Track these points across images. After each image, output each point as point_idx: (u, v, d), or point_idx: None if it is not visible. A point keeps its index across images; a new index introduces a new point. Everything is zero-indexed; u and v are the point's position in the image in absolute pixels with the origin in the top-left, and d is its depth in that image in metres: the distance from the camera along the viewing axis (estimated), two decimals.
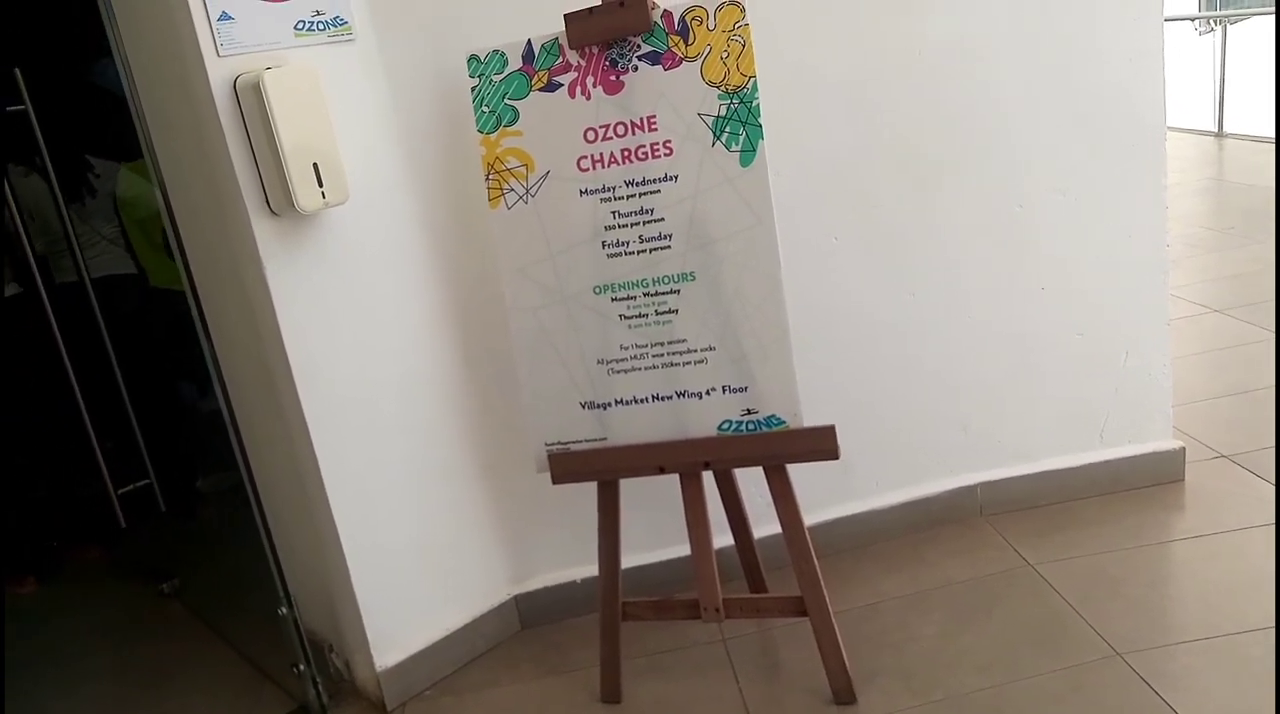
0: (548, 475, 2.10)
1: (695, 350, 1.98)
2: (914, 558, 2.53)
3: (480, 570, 2.44)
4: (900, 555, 2.55)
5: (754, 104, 1.86)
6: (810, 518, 2.15)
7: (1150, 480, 2.70)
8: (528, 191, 2.01)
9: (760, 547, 2.41)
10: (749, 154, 1.88)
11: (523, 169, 2.00)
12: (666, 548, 2.52)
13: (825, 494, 2.54)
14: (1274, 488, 2.55)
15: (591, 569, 2.45)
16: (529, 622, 2.53)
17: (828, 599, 1.99)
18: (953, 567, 2.47)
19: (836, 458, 1.92)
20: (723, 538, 2.28)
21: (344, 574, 2.22)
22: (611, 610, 2.12)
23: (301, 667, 2.25)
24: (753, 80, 1.86)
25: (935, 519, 2.64)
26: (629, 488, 2.10)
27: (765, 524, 2.42)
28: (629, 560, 2.19)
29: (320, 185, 1.99)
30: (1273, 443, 2.77)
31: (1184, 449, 2.71)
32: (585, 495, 2.12)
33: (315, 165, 1.97)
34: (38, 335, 2.76)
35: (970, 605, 2.31)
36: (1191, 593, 2.26)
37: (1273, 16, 7.77)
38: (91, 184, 3.09)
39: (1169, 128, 2.49)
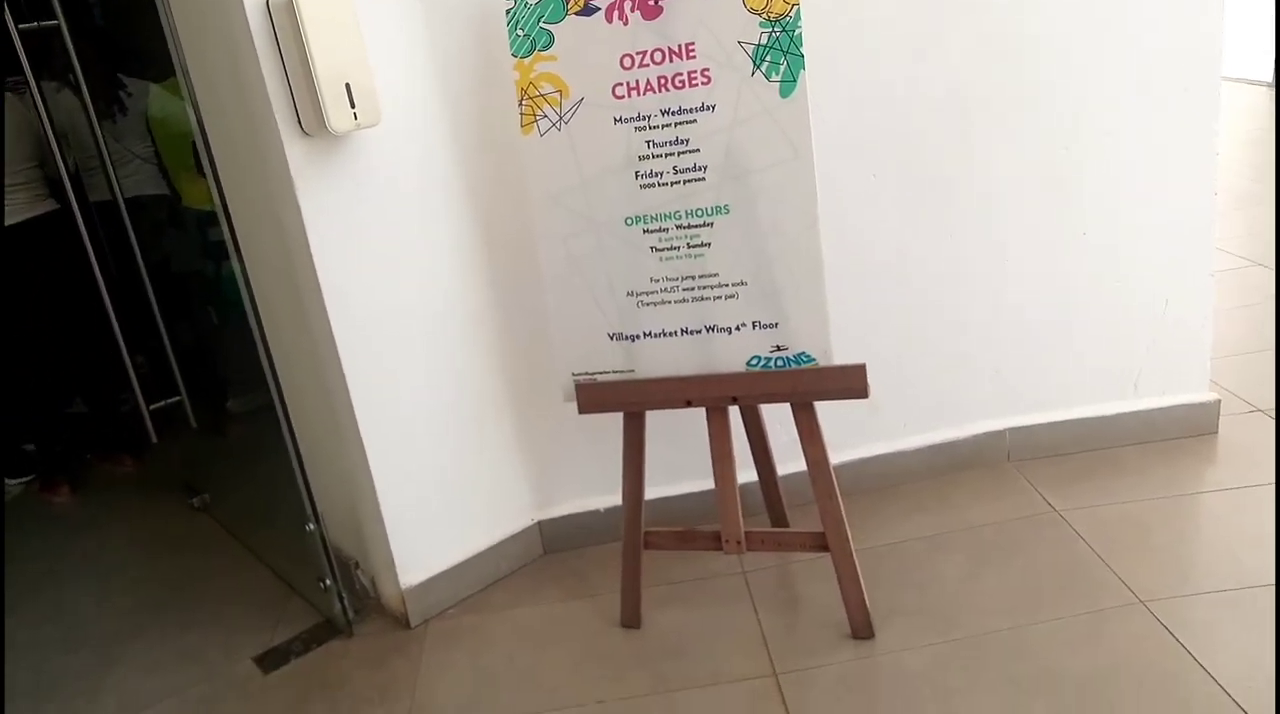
0: (574, 405, 2.10)
1: (726, 285, 1.96)
2: (939, 500, 2.53)
3: (505, 495, 2.47)
4: (925, 497, 2.55)
5: (796, 33, 1.81)
6: (836, 457, 2.15)
7: (1183, 432, 2.67)
8: (561, 118, 1.97)
9: (784, 483, 2.42)
10: (789, 84, 1.83)
11: (556, 95, 1.96)
12: (689, 481, 2.53)
13: (852, 434, 2.53)
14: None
15: (615, 499, 2.46)
16: (552, 547, 2.56)
17: (850, 536, 2.00)
18: (977, 510, 2.46)
19: (865, 396, 1.91)
20: (746, 473, 2.28)
21: (371, 494, 2.25)
22: (634, 538, 2.14)
23: (328, 581, 2.30)
24: (796, 8, 1.80)
25: (962, 463, 2.63)
26: (653, 421, 2.10)
27: (789, 461, 2.43)
28: (651, 493, 2.20)
29: (353, 107, 1.97)
30: None
31: (1219, 402, 2.67)
32: (611, 426, 2.12)
33: (348, 86, 1.95)
34: (73, 253, 2.77)
35: (994, 548, 2.30)
36: (1218, 545, 2.24)
37: None
38: (124, 102, 3.08)
39: (1223, 76, 2.40)
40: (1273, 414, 2.71)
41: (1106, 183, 2.44)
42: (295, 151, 2.00)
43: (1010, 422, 2.63)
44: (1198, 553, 2.24)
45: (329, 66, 1.91)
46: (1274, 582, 2.02)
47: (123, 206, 2.81)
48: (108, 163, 2.79)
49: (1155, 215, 2.47)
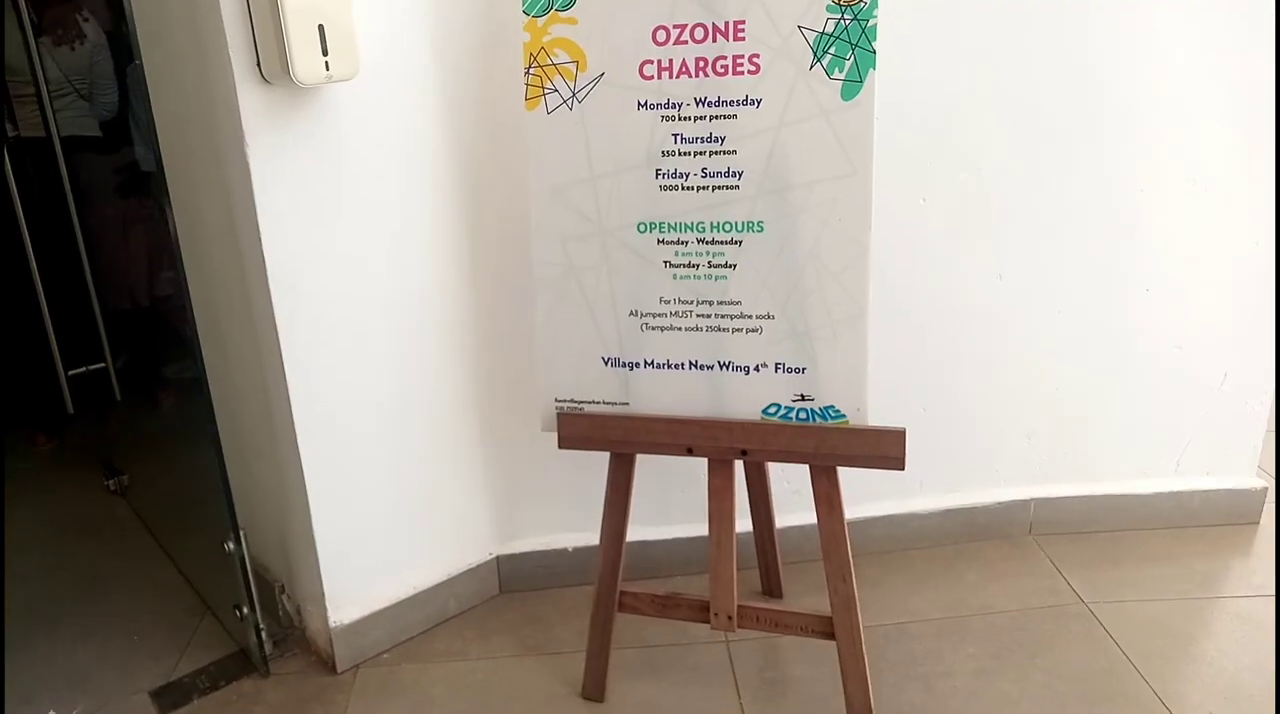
0: (554, 435, 1.78)
1: (750, 316, 1.65)
2: (952, 575, 2.23)
3: (461, 523, 2.14)
4: (937, 569, 2.26)
5: (870, 24, 1.49)
6: None
7: (1222, 519, 2.40)
8: (574, 94, 1.64)
9: (779, 537, 2.12)
10: (854, 85, 1.51)
11: (572, 66, 1.63)
12: (675, 525, 2.22)
13: (860, 488, 2.21)
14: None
15: (586, 538, 2.18)
16: (510, 586, 2.24)
17: (861, 627, 1.70)
18: (995, 592, 2.17)
19: (901, 468, 1.60)
20: (739, 523, 1.97)
21: (304, 512, 1.91)
22: (608, 599, 1.82)
23: (245, 610, 1.96)
24: None
25: (979, 532, 2.34)
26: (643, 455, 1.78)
27: (786, 512, 2.14)
28: (630, 533, 1.89)
29: (325, 54, 1.62)
30: None
31: (1266, 490, 2.40)
32: (591, 456, 1.80)
33: (321, 28, 1.60)
34: None
35: (1013, 642, 2.01)
36: (1265, 662, 1.97)
37: None
38: (81, 29, 2.70)
39: None
40: None
41: (1179, 234, 2.15)
42: (250, 101, 1.65)
43: (1037, 491, 2.34)
44: (1241, 672, 1.96)
45: (300, 2, 1.57)
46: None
47: (57, 145, 2.44)
48: (44, 92, 2.43)
49: (1227, 277, 2.19)
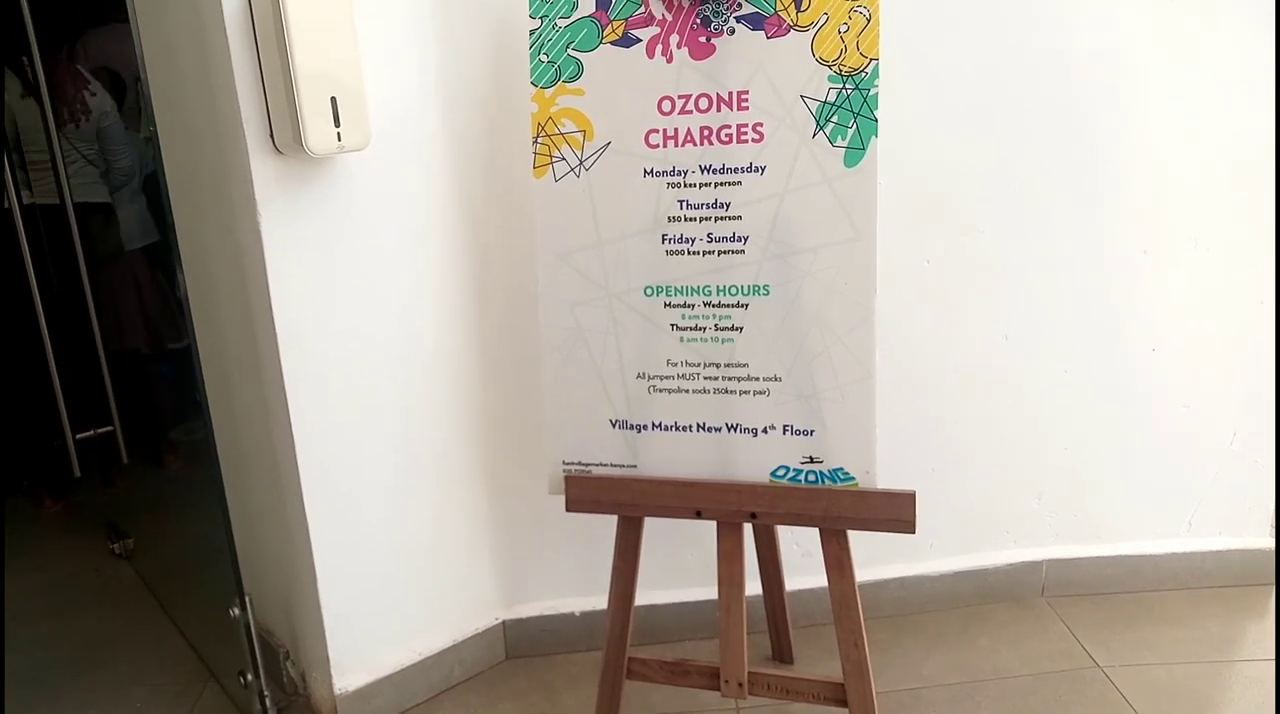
0: (561, 498, 1.77)
1: (757, 378, 1.65)
2: (964, 639, 2.20)
3: (467, 588, 2.13)
4: (948, 633, 2.23)
5: (871, 93, 1.52)
6: None
7: (1235, 580, 2.37)
8: (581, 163, 1.67)
9: (789, 599, 2.09)
10: (857, 153, 1.54)
11: (579, 135, 1.66)
12: (682, 589, 2.20)
13: (869, 550, 2.20)
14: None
15: (593, 602, 2.16)
16: (516, 652, 2.21)
17: (874, 694, 1.67)
18: (1009, 656, 2.14)
19: (912, 531, 1.59)
20: (748, 586, 1.95)
21: (310, 577, 1.90)
22: (616, 665, 1.80)
23: (249, 677, 1.94)
24: (874, 64, 1.51)
25: (991, 595, 2.31)
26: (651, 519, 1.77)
27: (796, 575, 2.12)
28: (637, 598, 1.86)
29: (337, 124, 1.65)
30: None
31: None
32: (600, 521, 1.80)
33: (333, 99, 1.64)
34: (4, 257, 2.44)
35: (1027, 709, 1.98)
36: None
37: None
38: (87, 103, 2.75)
39: None
40: None
41: (1183, 294, 2.16)
42: (263, 171, 1.68)
43: (1049, 552, 2.32)
44: None
45: (313, 73, 1.60)
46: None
47: (70, 211, 2.48)
48: (59, 160, 2.47)
49: (1232, 335, 2.19)
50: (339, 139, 1.66)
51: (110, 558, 2.79)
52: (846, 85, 1.53)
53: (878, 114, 1.52)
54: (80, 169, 2.65)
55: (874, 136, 1.52)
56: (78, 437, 2.58)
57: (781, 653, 2.14)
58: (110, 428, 2.62)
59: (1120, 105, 2.03)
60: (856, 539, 1.65)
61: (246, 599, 1.90)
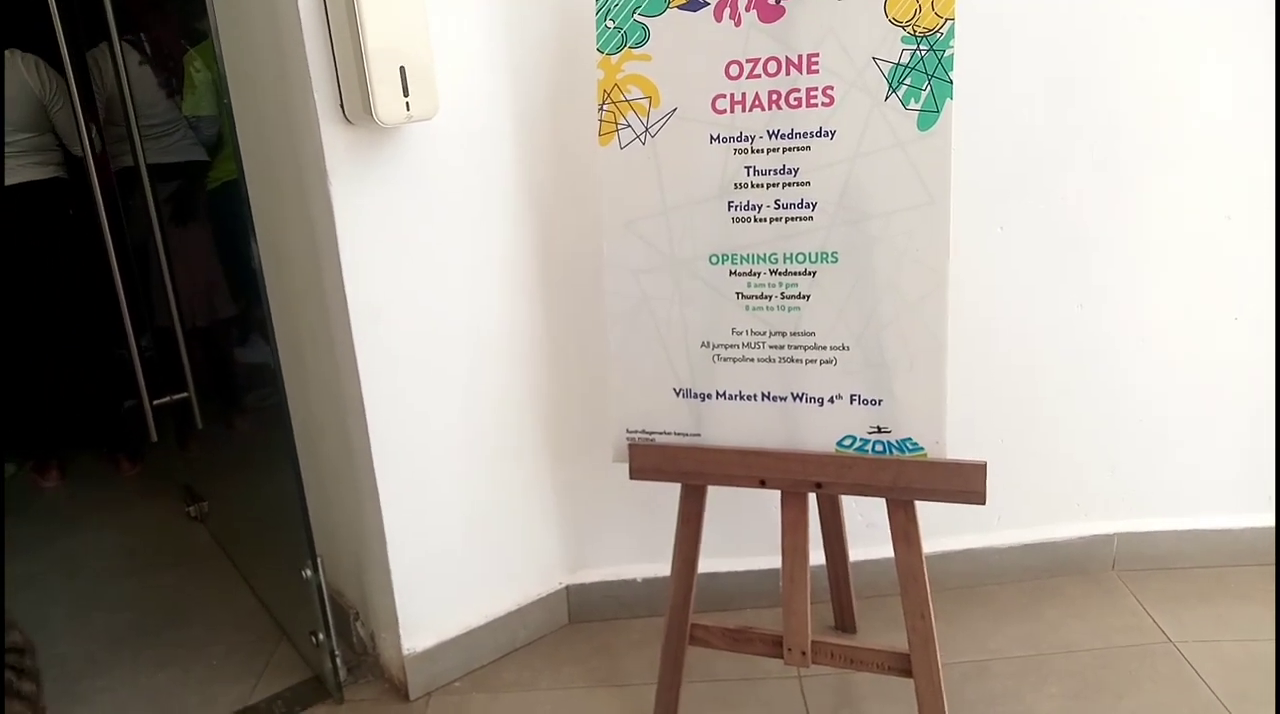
0: (625, 466, 1.78)
1: (824, 347, 1.63)
2: (1032, 612, 2.17)
3: (532, 553, 2.15)
4: (1016, 606, 2.20)
5: (946, 54, 1.48)
6: None
7: None
8: (647, 129, 1.66)
9: (853, 570, 2.08)
10: (930, 115, 1.50)
11: (645, 102, 1.65)
12: (745, 557, 2.20)
13: (936, 522, 2.16)
14: None
15: (655, 569, 2.17)
16: (579, 616, 2.24)
17: (940, 666, 1.66)
18: (1077, 630, 2.10)
19: (982, 503, 1.57)
20: (812, 556, 1.95)
21: (380, 542, 1.94)
22: (679, 632, 1.81)
23: (321, 637, 1.99)
24: (950, 24, 1.47)
25: (1060, 568, 2.27)
26: (713, 488, 1.77)
27: (860, 545, 2.10)
28: (699, 565, 1.87)
29: (405, 94, 1.66)
30: None
31: None
32: (661, 487, 1.80)
33: (402, 70, 1.65)
34: (80, 225, 2.51)
35: (1096, 682, 1.95)
36: None
37: None
38: (192, 76, 2.82)
39: None
40: None
41: (1269, 261, 2.08)
42: (334, 142, 1.71)
43: (1121, 526, 2.27)
44: None
45: (382, 45, 1.61)
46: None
47: (145, 175, 2.53)
48: (134, 127, 2.52)
49: None
50: (408, 109, 1.67)
51: (186, 521, 2.88)
52: (920, 46, 1.49)
53: (952, 76, 1.48)
54: (186, 133, 2.74)
55: (949, 99, 1.49)
56: (154, 402, 2.65)
57: (844, 623, 2.13)
58: (185, 394, 2.69)
59: (1203, 68, 1.95)
60: (923, 510, 1.63)
61: (318, 561, 1.95)
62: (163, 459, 3.12)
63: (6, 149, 2.83)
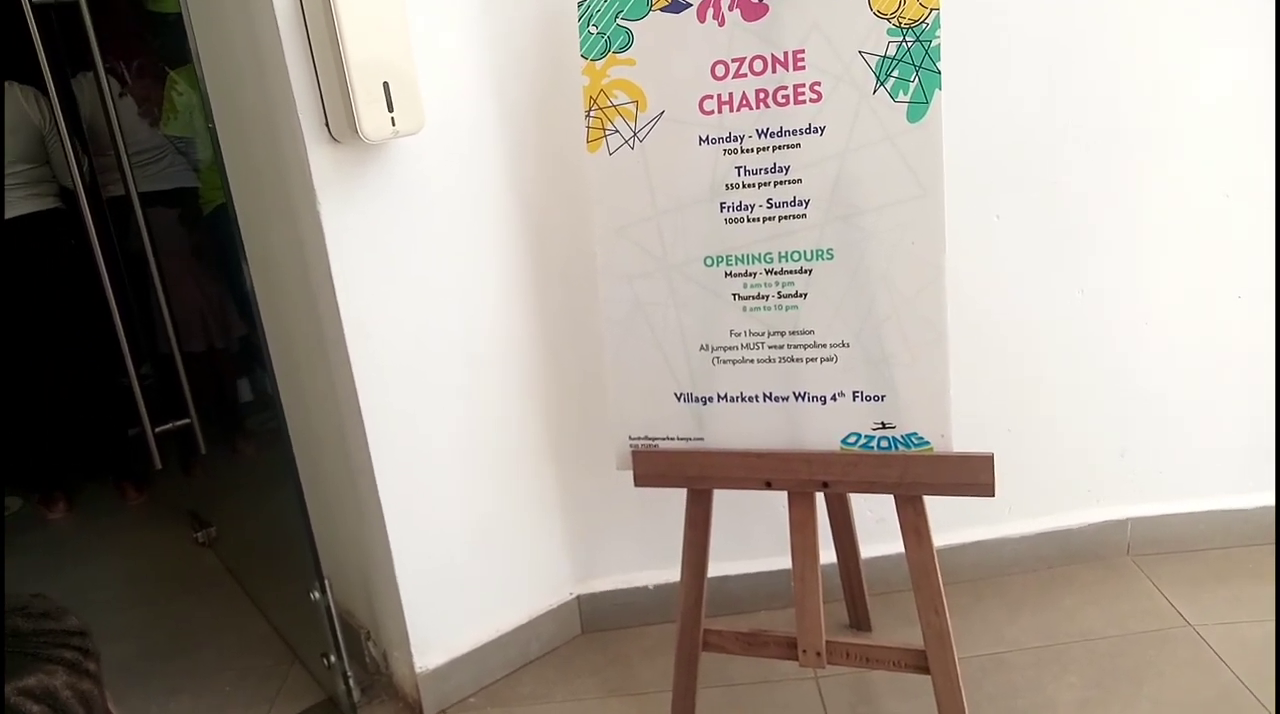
0: (629, 473, 1.77)
1: (824, 345, 1.62)
2: (1047, 601, 2.15)
3: (541, 565, 2.14)
4: (1031, 595, 2.18)
5: (933, 44, 1.46)
6: None
7: None
8: (635, 134, 1.65)
9: (865, 568, 2.07)
10: (920, 107, 1.48)
11: (632, 106, 1.64)
12: (754, 559, 2.19)
13: (947, 515, 2.14)
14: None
15: (666, 575, 2.15)
16: (591, 626, 2.22)
17: (956, 660, 1.64)
18: (1094, 617, 2.08)
19: (991, 495, 1.55)
20: (823, 555, 1.93)
21: (387, 560, 1.93)
22: (691, 638, 1.79)
23: (332, 659, 1.98)
24: (935, 14, 1.46)
25: (1075, 555, 2.25)
26: (720, 490, 1.75)
27: (871, 542, 2.09)
28: (710, 570, 1.85)
29: (390, 110, 1.65)
30: None
31: None
32: (667, 492, 1.78)
33: (386, 85, 1.63)
34: (76, 255, 2.50)
35: (1116, 670, 1.93)
36: None
37: None
38: (172, 100, 2.82)
39: None
40: None
41: (1268, 237, 2.06)
42: (320, 161, 1.69)
43: (1134, 510, 2.25)
44: None
45: (365, 60, 1.60)
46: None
47: (136, 203, 2.52)
48: (123, 156, 2.51)
49: None
50: (393, 124, 1.65)
51: (194, 546, 2.87)
52: (907, 38, 1.47)
53: (940, 66, 1.46)
54: (174, 160, 2.74)
55: (937, 90, 1.47)
56: (157, 430, 2.64)
57: (858, 621, 2.11)
58: (188, 421, 2.68)
59: (1198, 48, 1.93)
60: (932, 504, 1.62)
61: (326, 582, 1.94)
62: (168, 486, 3.11)
63: (7, 181, 2.83)
